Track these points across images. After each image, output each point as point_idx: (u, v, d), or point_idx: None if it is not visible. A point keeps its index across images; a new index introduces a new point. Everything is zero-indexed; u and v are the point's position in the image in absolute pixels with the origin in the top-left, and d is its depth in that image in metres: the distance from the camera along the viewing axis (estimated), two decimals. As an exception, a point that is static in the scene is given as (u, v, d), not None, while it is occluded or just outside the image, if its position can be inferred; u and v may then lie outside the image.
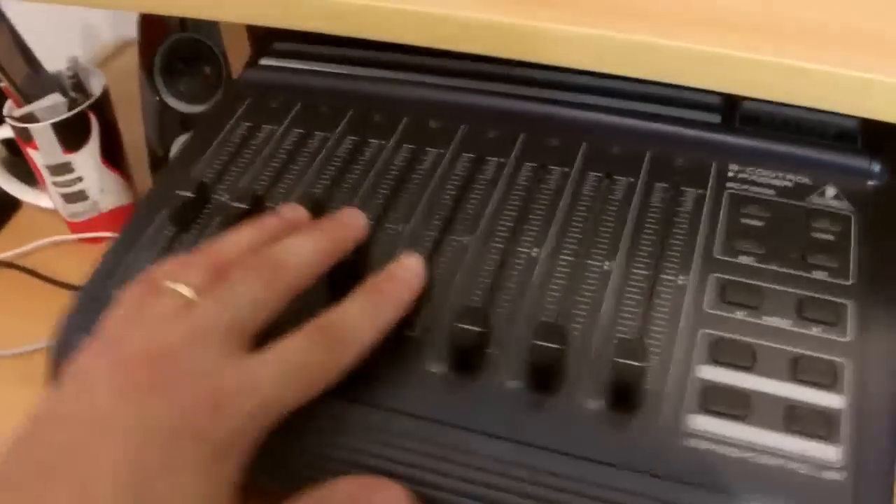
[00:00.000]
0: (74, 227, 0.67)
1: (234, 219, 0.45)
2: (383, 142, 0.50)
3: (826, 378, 0.38)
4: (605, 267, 0.42)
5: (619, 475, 0.36)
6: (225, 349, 0.35)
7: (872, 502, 0.35)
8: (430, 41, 0.44)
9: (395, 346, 0.40)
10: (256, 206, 0.46)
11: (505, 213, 0.46)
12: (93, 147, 0.62)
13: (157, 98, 0.67)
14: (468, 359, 0.39)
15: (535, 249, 0.44)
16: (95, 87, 0.63)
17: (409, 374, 0.40)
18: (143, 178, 0.69)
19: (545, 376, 0.38)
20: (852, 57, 0.38)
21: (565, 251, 0.43)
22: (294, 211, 0.43)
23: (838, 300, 0.41)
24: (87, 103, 0.60)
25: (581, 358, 0.39)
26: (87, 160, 0.62)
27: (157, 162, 0.69)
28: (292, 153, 0.50)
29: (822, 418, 0.37)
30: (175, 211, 0.47)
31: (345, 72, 0.54)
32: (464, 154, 0.49)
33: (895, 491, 0.35)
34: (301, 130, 0.51)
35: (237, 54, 0.60)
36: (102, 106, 0.62)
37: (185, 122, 0.67)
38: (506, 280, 0.43)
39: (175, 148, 0.67)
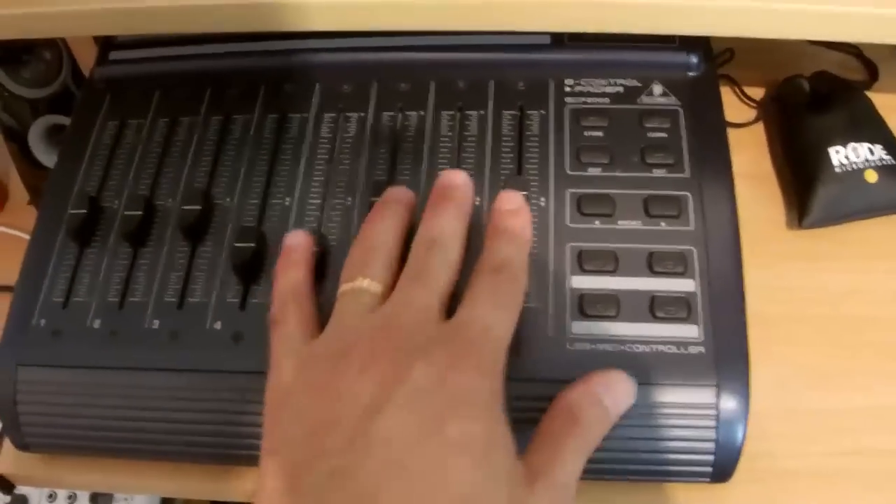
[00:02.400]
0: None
1: (132, 227, 0.48)
2: (248, 115, 0.52)
3: (678, 267, 0.44)
4: (477, 202, 0.47)
5: (520, 386, 0.41)
6: (441, 317, 0.39)
7: (731, 366, 0.42)
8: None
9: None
10: (148, 211, 0.49)
11: (378, 167, 0.49)
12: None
13: (2, 88, 0.66)
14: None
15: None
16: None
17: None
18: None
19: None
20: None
21: (440, 194, 0.48)
22: (402, 192, 0.45)
23: (678, 193, 0.46)
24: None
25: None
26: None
27: (19, 142, 0.69)
28: (165, 144, 0.52)
29: (680, 303, 0.44)
30: (73, 231, 0.49)
31: (194, 51, 0.55)
32: (326, 114, 0.52)
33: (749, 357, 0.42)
34: (167, 119, 0.53)
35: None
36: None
37: (35, 106, 0.67)
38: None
39: (33, 133, 0.68)
